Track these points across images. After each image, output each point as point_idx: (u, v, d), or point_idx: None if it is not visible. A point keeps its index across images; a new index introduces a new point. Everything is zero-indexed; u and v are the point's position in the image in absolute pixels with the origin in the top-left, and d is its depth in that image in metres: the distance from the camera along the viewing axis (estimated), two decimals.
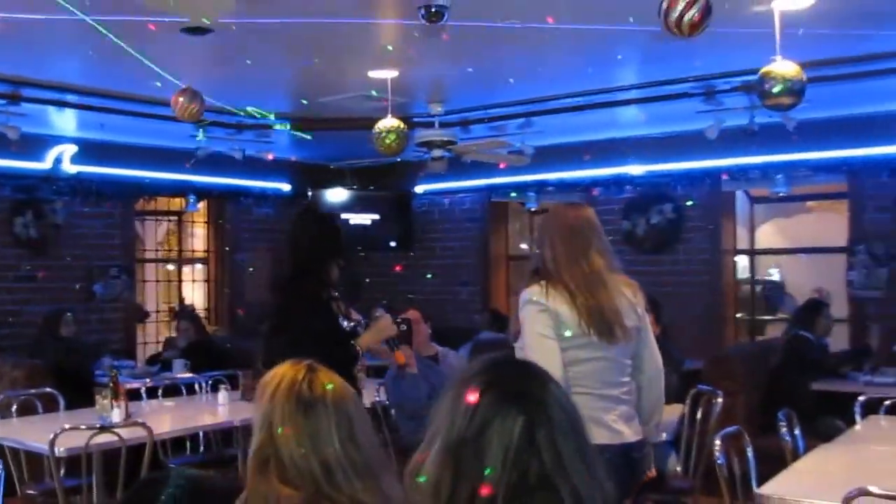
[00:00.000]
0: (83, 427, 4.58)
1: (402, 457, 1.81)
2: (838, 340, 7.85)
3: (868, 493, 3.00)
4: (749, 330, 9.59)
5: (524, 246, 11.13)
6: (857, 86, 6.84)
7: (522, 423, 1.38)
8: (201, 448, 6.21)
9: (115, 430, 4.64)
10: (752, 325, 9.67)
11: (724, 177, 8.79)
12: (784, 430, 4.39)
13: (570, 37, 5.87)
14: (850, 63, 6.42)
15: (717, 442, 3.90)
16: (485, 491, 1.34)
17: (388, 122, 6.39)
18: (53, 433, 4.44)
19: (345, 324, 4.20)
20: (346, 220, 10.31)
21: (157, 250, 10.94)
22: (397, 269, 10.81)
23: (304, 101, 7.67)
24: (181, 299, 10.60)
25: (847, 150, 8.03)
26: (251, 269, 10.18)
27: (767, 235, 10.09)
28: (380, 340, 4.33)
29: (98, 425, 4.69)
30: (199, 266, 10.78)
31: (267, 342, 4.17)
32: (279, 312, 4.17)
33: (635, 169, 9.21)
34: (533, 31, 5.51)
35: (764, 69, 4.56)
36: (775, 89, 4.44)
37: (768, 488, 3.57)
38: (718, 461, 3.83)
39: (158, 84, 5.99)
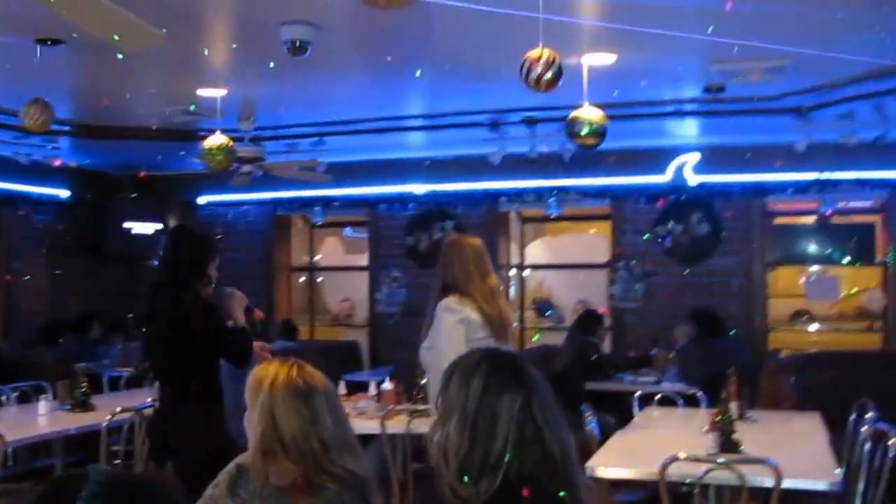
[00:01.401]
0: None
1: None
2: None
3: (677, 459, 3.76)
4: (519, 337, 10.34)
5: (306, 258, 11.41)
6: (627, 125, 7.71)
7: (521, 398, 1.95)
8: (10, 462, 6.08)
9: None
10: (521, 333, 10.42)
11: (502, 198, 9.52)
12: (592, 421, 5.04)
13: (368, 68, 6.40)
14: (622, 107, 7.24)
15: None
16: (497, 447, 1.90)
17: (217, 140, 6.51)
18: None
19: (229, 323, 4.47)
20: (129, 230, 10.22)
21: None
22: None
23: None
24: None
25: (612, 178, 8.94)
26: (27, 277, 9.85)
27: (536, 251, 10.89)
28: (241, 309, 4.63)
29: None
30: None
31: (168, 342, 4.34)
32: (174, 314, 4.32)
33: (419, 188, 9.75)
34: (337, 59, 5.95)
35: (573, 113, 5.20)
36: (583, 131, 5.07)
37: (594, 463, 4.16)
38: None
39: None
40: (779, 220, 9.23)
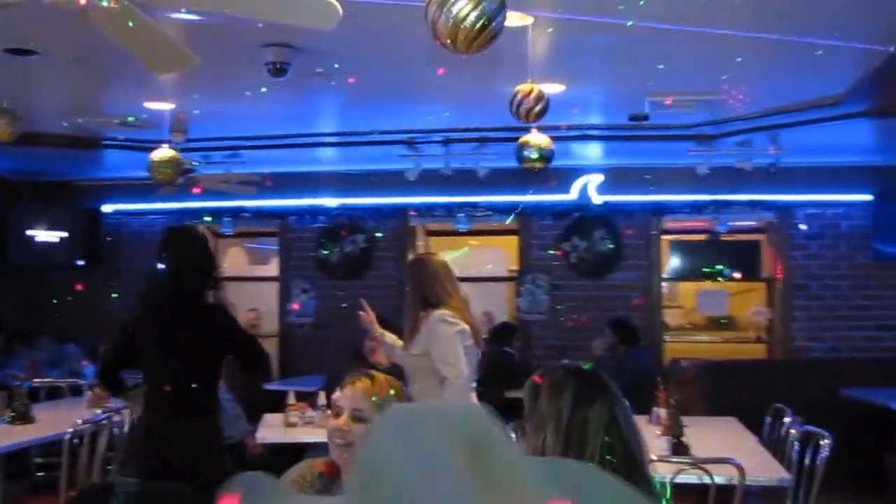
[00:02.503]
0: None
1: None
2: None
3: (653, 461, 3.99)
4: None
5: None
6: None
7: (608, 407, 2.24)
8: None
9: None
10: None
11: (412, 213, 9.79)
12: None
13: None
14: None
15: None
16: (588, 453, 2.16)
17: (164, 153, 6.56)
18: None
19: None
20: (32, 238, 10.06)
21: None
22: (78, 287, 10.63)
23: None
24: None
25: (520, 196, 9.32)
26: None
27: None
28: None
29: None
30: None
31: (195, 351, 4.34)
32: (204, 322, 4.39)
33: (330, 201, 9.93)
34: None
35: (522, 139, 5.51)
36: (533, 155, 5.38)
37: None
38: None
39: None
40: (673, 238, 9.77)
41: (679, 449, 4.45)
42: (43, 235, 10.16)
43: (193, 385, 4.29)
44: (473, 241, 11.07)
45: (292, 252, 10.34)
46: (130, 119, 7.02)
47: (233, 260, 11.99)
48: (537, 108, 4.56)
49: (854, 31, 4.85)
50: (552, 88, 5.88)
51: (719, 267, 9.56)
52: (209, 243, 4.60)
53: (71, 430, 4.84)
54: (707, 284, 9.73)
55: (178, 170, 6.55)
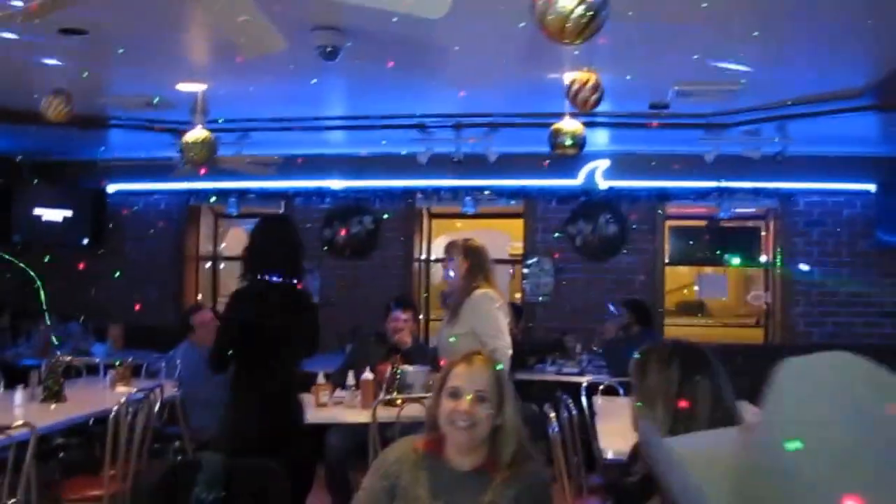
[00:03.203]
0: None
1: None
2: None
3: None
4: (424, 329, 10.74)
5: (210, 247, 11.47)
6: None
7: (711, 379, 2.37)
8: None
9: None
10: (426, 326, 10.82)
11: (419, 195, 9.89)
12: None
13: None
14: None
15: None
16: (696, 426, 2.25)
17: (198, 134, 6.55)
18: None
19: None
20: (39, 216, 10.08)
21: None
22: (80, 267, 10.66)
23: None
24: None
25: (526, 180, 9.44)
26: None
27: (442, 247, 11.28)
28: None
29: None
30: None
31: (297, 335, 4.67)
32: (301, 309, 4.71)
33: (336, 183, 10.01)
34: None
35: (555, 125, 5.62)
36: (567, 142, 5.50)
37: None
38: None
39: None
40: (676, 223, 9.92)
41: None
42: (48, 214, 10.17)
43: (292, 368, 4.67)
44: (475, 223, 11.20)
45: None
46: (156, 100, 7.05)
47: (233, 240, 12.06)
48: (594, 98, 4.68)
49: (880, 26, 4.99)
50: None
51: (719, 252, 9.74)
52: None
53: (116, 406, 4.89)
54: (707, 269, 9.92)
55: (212, 151, 6.55)
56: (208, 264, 11.41)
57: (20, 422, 4.17)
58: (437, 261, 11.17)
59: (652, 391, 2.38)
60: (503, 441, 2.65)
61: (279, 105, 8.08)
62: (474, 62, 6.06)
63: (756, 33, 5.02)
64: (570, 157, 5.91)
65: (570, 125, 5.61)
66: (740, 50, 5.55)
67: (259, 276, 4.58)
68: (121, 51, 5.79)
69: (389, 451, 2.75)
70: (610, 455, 4.53)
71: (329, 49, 5.04)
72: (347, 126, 8.76)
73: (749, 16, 4.85)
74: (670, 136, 8.21)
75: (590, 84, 4.66)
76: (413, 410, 4.88)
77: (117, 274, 10.73)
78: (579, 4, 3.16)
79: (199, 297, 10.99)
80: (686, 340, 2.60)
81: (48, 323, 9.26)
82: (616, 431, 5.12)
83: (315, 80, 6.70)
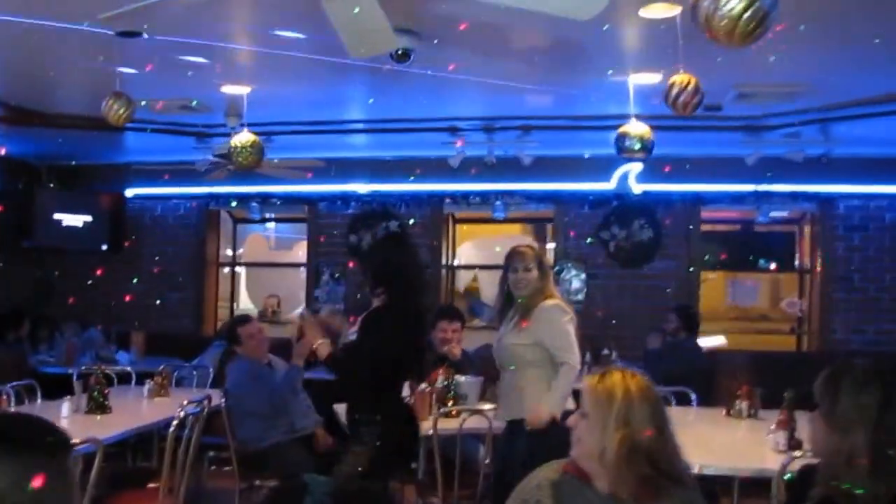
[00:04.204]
0: None
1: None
2: None
3: (795, 458, 3.80)
4: None
5: (230, 252, 11.28)
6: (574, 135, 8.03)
7: (880, 394, 2.24)
8: None
9: None
10: None
11: (447, 200, 9.68)
12: None
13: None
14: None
15: None
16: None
17: (244, 138, 6.36)
18: None
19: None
20: (59, 221, 9.88)
21: None
22: (99, 272, 10.46)
23: None
24: None
25: (556, 184, 9.23)
26: None
27: (466, 252, 11.10)
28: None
29: None
30: None
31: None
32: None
33: (361, 187, 9.80)
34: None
35: (621, 129, 5.42)
36: (635, 146, 5.29)
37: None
38: None
39: None
40: (709, 228, 9.71)
41: (793, 443, 4.37)
42: (68, 219, 9.98)
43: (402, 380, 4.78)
44: (501, 229, 11.00)
45: (321, 238, 10.18)
46: (194, 103, 6.85)
47: (253, 245, 11.88)
48: (695, 101, 4.52)
49: None
50: (647, 79, 5.82)
51: (753, 257, 9.54)
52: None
53: (177, 419, 4.68)
54: (740, 275, 9.72)
55: (261, 155, 6.36)
56: (226, 269, 11.22)
57: (84, 436, 3.94)
58: (462, 267, 10.99)
59: (849, 417, 2.25)
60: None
61: (305, 109, 7.88)
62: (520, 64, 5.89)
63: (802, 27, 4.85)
64: (638, 160, 5.71)
65: (637, 128, 5.39)
66: (797, 52, 5.36)
67: (398, 296, 4.48)
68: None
69: (533, 475, 2.56)
70: None
71: (400, 52, 4.87)
72: (371, 129, 8.55)
73: (802, 18, 4.69)
74: (707, 139, 8.01)
75: (690, 86, 4.46)
76: (472, 422, 4.87)
77: (136, 280, 10.55)
78: (748, 7, 3.06)
79: (237, 305, 10.82)
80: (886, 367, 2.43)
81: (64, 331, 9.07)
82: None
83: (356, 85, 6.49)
